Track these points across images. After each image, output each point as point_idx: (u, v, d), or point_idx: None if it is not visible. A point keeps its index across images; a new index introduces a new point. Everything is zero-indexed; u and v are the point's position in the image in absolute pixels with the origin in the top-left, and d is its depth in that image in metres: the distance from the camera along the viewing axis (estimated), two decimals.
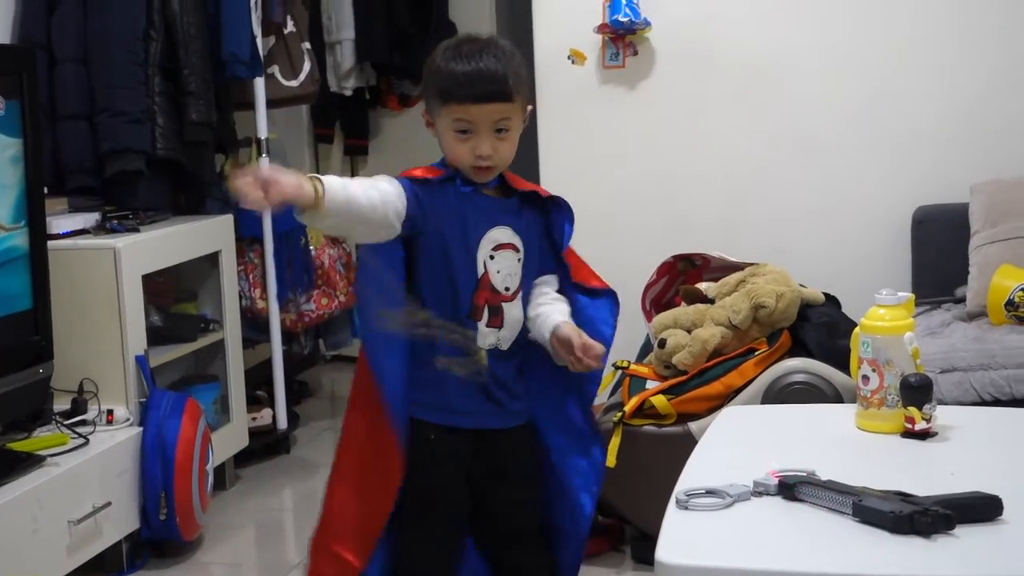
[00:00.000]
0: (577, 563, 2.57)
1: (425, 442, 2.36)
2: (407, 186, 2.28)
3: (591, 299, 2.50)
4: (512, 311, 2.39)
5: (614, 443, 3.23)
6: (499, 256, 2.36)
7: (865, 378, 2.29)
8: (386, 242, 2.28)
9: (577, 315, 2.43)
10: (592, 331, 2.39)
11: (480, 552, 2.49)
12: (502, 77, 2.30)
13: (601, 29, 4.17)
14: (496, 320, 2.36)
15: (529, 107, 2.39)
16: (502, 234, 2.37)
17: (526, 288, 2.41)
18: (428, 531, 2.40)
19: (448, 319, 2.32)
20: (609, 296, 2.51)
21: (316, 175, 2.15)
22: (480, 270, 2.34)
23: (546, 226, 2.47)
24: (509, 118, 2.32)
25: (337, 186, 2.15)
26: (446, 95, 2.28)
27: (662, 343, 3.34)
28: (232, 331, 4.18)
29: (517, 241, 2.39)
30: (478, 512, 2.43)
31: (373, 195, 2.21)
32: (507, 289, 2.37)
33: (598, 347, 2.33)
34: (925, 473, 2.07)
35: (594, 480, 2.52)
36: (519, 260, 2.39)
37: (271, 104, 4.46)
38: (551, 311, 2.39)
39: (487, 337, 2.36)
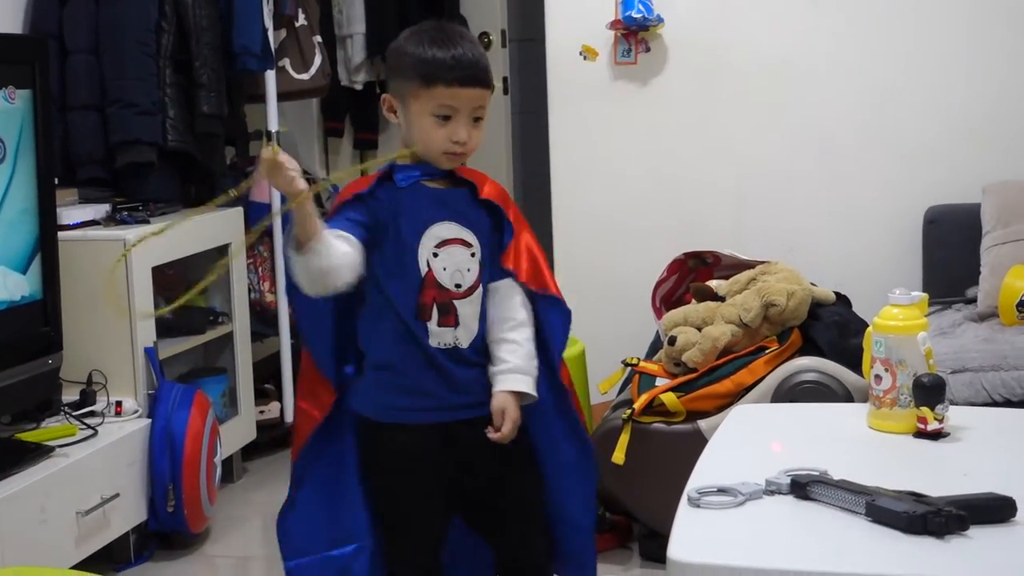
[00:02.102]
0: (587, 551, 2.54)
1: (391, 443, 2.35)
2: (357, 232, 2.25)
3: (546, 306, 2.42)
4: (467, 308, 2.32)
5: (623, 440, 3.23)
6: (444, 253, 2.30)
7: (878, 377, 2.28)
8: None
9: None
10: (549, 338, 2.40)
11: (478, 534, 2.48)
12: (485, 63, 2.32)
13: (613, 25, 4.16)
14: (448, 319, 2.30)
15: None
16: (446, 230, 2.32)
17: (485, 282, 2.35)
18: (407, 529, 2.39)
19: (397, 321, 2.30)
20: (563, 308, 2.45)
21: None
22: (423, 268, 2.29)
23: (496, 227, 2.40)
24: (485, 105, 2.31)
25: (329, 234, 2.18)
26: (431, 78, 2.25)
27: (672, 340, 3.33)
28: (241, 324, 4.18)
29: (468, 236, 2.33)
30: (461, 499, 2.41)
31: (344, 259, 2.21)
32: (458, 286, 2.31)
33: (505, 434, 2.31)
34: (938, 473, 2.07)
35: (588, 468, 2.51)
36: (472, 255, 2.33)
37: (282, 97, 4.46)
38: (508, 366, 2.34)
39: (441, 336, 2.30)
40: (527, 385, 2.33)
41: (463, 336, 2.33)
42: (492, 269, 2.36)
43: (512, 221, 2.38)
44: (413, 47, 2.30)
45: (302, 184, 2.11)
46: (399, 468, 2.36)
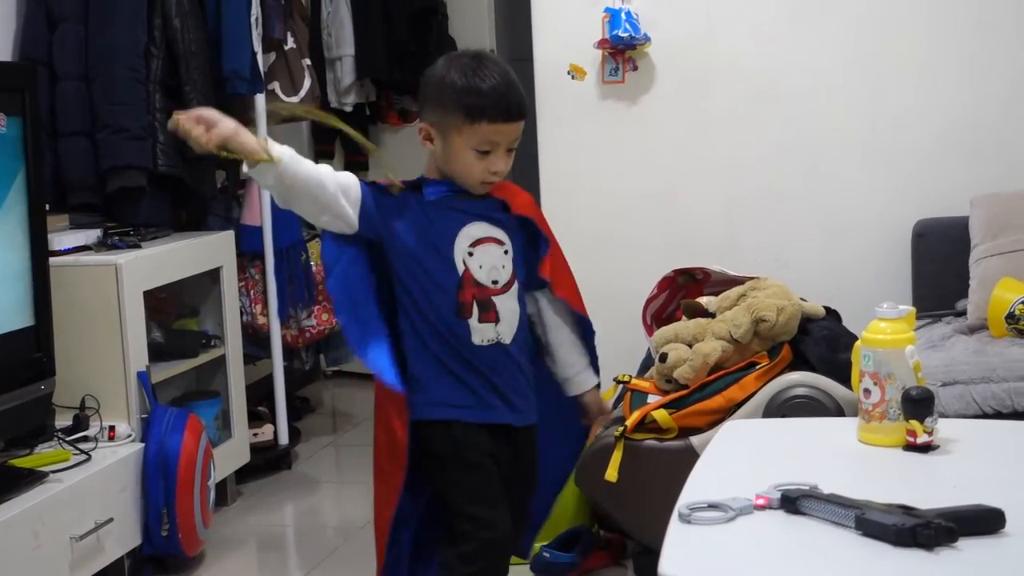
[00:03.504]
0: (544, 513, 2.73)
1: (447, 438, 2.41)
2: (364, 185, 2.35)
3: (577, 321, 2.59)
4: (506, 303, 2.40)
5: (616, 458, 3.23)
6: (479, 251, 2.37)
7: (867, 391, 2.29)
8: (349, 245, 2.35)
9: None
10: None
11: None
12: (522, 95, 2.39)
13: (601, 44, 4.18)
14: (489, 315, 2.38)
15: None
16: (478, 229, 2.39)
17: (520, 279, 2.43)
18: (485, 500, 2.45)
19: (442, 321, 2.35)
20: (588, 324, 2.62)
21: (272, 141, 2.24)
22: (460, 268, 2.36)
23: (528, 232, 2.50)
24: (519, 136, 2.38)
25: (289, 150, 2.26)
26: (477, 113, 2.30)
27: (663, 357, 3.34)
28: (233, 347, 4.19)
29: (499, 234, 2.41)
30: None
31: (325, 172, 2.31)
32: (495, 283, 2.38)
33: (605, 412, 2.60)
34: (927, 486, 2.07)
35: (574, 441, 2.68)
36: (506, 252, 2.41)
37: (272, 120, 4.47)
38: (579, 369, 2.60)
39: (484, 332, 2.37)
40: (596, 377, 2.61)
41: (505, 331, 2.41)
42: (529, 275, 2.46)
43: (546, 233, 2.53)
44: (455, 79, 2.34)
45: (239, 128, 2.18)
46: (460, 456, 2.42)
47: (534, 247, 2.51)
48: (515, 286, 2.41)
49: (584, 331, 2.60)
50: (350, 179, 2.36)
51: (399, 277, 2.38)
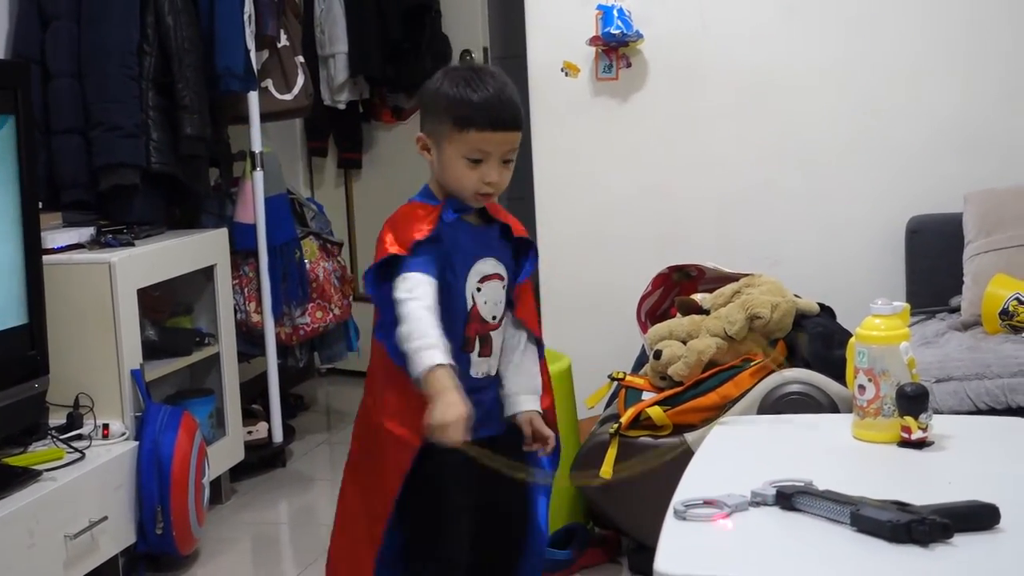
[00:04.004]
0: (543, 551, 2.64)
1: (435, 457, 2.35)
2: (428, 267, 2.29)
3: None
4: (498, 338, 2.43)
5: (610, 454, 3.23)
6: (486, 287, 2.39)
7: (861, 388, 2.29)
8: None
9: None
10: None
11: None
12: (517, 106, 2.37)
13: (594, 41, 4.18)
14: (487, 349, 2.40)
15: None
16: (487, 266, 2.40)
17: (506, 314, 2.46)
18: (448, 536, 2.43)
19: (451, 351, 2.30)
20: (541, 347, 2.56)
21: (440, 361, 2.18)
22: (469, 303, 2.37)
23: (514, 257, 2.49)
24: (515, 148, 2.37)
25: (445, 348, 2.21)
26: (465, 122, 2.30)
27: (657, 354, 3.34)
28: (227, 345, 4.18)
29: (502, 269, 2.43)
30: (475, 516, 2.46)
31: (432, 314, 2.24)
32: (494, 318, 2.41)
33: (548, 440, 2.45)
34: (922, 482, 2.08)
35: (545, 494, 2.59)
36: (503, 288, 2.43)
37: (265, 118, 4.47)
38: (518, 391, 2.46)
39: (480, 366, 2.40)
40: (536, 403, 2.47)
41: (494, 364, 2.44)
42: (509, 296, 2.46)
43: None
44: (447, 90, 2.33)
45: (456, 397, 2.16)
46: (443, 482, 2.39)
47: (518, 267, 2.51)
48: (505, 321, 2.43)
49: (537, 352, 2.53)
50: (429, 286, 2.28)
51: None
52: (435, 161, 2.38)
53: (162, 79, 3.92)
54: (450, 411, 2.13)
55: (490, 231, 2.44)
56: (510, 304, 2.46)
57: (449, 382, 2.16)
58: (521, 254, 2.49)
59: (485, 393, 2.41)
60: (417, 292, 2.25)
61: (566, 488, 3.46)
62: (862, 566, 1.74)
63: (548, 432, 2.46)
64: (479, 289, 2.38)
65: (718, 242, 4.19)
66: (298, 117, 5.25)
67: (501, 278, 2.42)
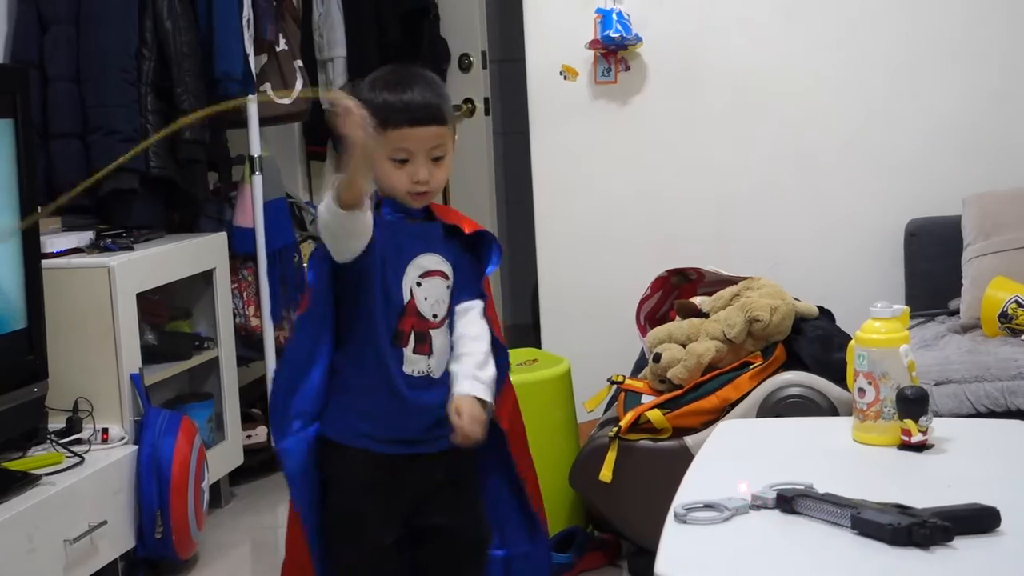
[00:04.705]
0: None
1: (353, 463, 2.38)
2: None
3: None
4: (440, 337, 2.40)
5: (610, 458, 3.23)
6: (427, 283, 2.37)
7: (861, 391, 2.29)
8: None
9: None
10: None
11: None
12: (436, 102, 2.35)
13: (593, 45, 4.18)
14: (424, 347, 2.37)
15: (456, 136, 2.42)
16: (430, 261, 2.38)
17: (451, 314, 2.43)
18: (359, 550, 2.42)
19: (373, 345, 2.33)
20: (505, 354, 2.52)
21: None
22: (406, 296, 2.35)
23: (475, 255, 2.47)
24: (443, 143, 2.35)
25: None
26: (384, 122, 2.28)
27: (657, 357, 3.34)
28: (226, 349, 4.18)
29: (447, 268, 2.40)
30: (415, 534, 2.44)
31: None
32: (435, 316, 2.38)
33: (467, 430, 2.34)
34: (922, 485, 2.08)
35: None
36: (448, 287, 2.41)
37: (263, 122, 4.46)
38: (459, 374, 2.39)
39: (416, 364, 2.37)
40: (474, 388, 2.36)
41: (435, 365, 2.39)
42: (460, 296, 2.43)
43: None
44: (368, 92, 2.34)
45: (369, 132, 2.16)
46: (359, 488, 2.38)
47: (479, 264, 2.49)
48: (448, 321, 2.41)
49: (497, 358, 2.47)
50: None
51: (350, 295, 2.36)
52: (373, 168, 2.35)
53: (161, 83, 3.93)
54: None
55: (432, 228, 2.41)
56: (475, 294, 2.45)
57: None
58: (482, 251, 2.47)
59: (422, 394, 2.37)
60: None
61: (566, 492, 3.46)
62: (863, 569, 1.74)
63: (459, 421, 2.32)
64: (419, 284, 2.36)
65: (717, 245, 4.19)
66: (297, 121, 5.24)
67: (445, 276, 2.39)
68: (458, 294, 2.43)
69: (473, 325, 2.43)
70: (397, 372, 2.34)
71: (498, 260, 2.46)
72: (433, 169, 2.34)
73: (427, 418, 2.38)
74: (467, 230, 2.44)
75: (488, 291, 2.49)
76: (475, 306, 2.45)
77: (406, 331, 2.35)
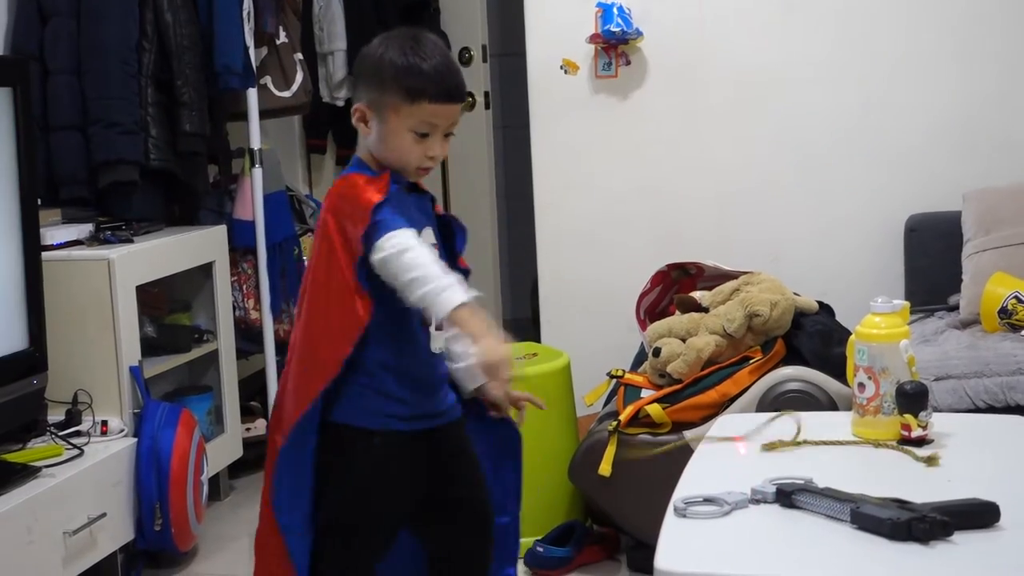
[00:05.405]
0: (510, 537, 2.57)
1: (368, 449, 2.32)
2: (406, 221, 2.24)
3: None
4: None
5: (610, 452, 3.24)
6: None
7: (861, 386, 2.29)
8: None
9: None
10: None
11: (418, 538, 2.48)
12: (463, 78, 2.30)
13: (593, 39, 4.18)
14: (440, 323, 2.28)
15: None
16: (429, 236, 2.33)
17: None
18: (370, 536, 2.38)
19: (409, 325, 2.28)
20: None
21: (465, 298, 2.12)
22: None
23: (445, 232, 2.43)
24: (457, 121, 2.31)
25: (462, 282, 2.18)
26: (418, 92, 2.21)
27: (657, 352, 3.34)
28: (226, 342, 4.18)
29: (438, 243, 2.36)
30: (426, 505, 2.41)
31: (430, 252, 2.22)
32: None
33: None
34: (922, 480, 2.08)
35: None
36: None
37: (264, 115, 4.46)
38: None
39: (437, 341, 2.29)
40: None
41: (444, 339, 2.32)
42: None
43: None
44: (394, 58, 2.25)
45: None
46: (377, 473, 2.34)
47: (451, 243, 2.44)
48: None
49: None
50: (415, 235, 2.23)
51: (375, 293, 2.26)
52: (374, 133, 2.28)
53: (161, 76, 3.92)
54: (497, 350, 2.09)
55: (424, 200, 2.37)
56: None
57: (484, 319, 2.09)
58: (455, 233, 2.43)
59: (442, 366, 2.36)
60: (409, 241, 2.17)
61: (565, 486, 3.47)
62: (862, 564, 1.74)
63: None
64: None
65: (717, 240, 4.19)
66: (297, 114, 5.23)
67: (436, 248, 2.32)
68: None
69: None
70: (427, 348, 2.29)
71: (464, 241, 2.43)
72: (443, 144, 2.29)
73: (443, 389, 2.37)
74: (437, 207, 2.41)
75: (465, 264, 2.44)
76: None
77: None
